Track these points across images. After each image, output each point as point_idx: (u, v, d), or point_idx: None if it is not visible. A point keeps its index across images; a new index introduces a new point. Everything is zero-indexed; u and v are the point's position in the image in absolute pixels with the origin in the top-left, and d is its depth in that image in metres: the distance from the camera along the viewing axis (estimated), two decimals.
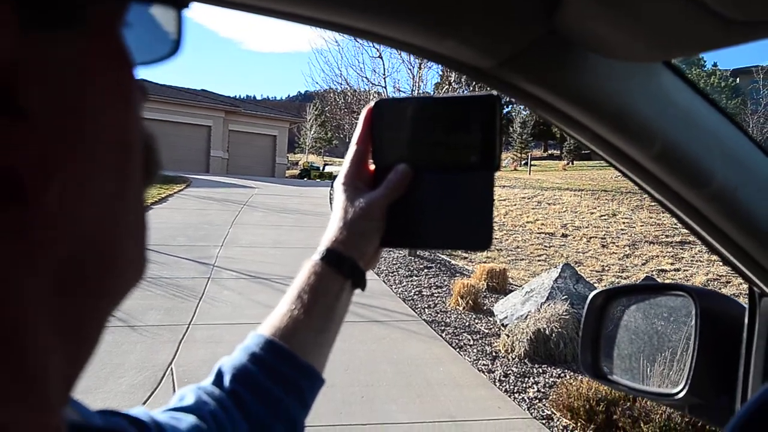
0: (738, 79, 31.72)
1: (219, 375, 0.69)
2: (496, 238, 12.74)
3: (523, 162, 39.54)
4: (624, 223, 14.54)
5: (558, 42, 0.65)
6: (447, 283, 8.58)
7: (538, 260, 11.33)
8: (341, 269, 0.74)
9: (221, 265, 9.02)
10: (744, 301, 1.07)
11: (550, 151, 46.01)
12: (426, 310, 7.37)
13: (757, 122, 23.95)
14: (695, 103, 0.79)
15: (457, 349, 6.04)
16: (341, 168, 0.79)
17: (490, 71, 0.70)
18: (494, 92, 0.72)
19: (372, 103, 0.78)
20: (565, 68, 0.68)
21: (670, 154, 0.77)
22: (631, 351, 1.22)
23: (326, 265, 0.73)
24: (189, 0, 0.36)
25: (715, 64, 32.78)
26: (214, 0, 0.54)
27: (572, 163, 36.77)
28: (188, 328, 6.06)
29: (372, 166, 0.78)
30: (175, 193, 17.55)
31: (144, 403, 4.25)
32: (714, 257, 8.63)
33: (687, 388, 1.05)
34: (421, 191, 0.74)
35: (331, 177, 28.54)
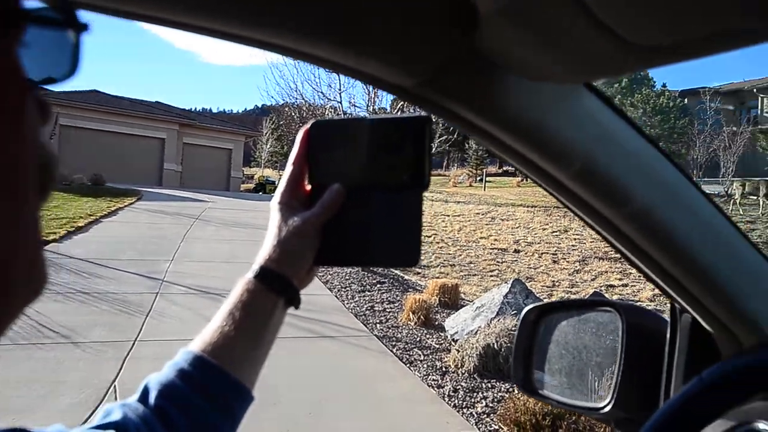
0: (686, 100, 32.73)
1: (145, 391, 0.69)
2: (449, 254, 12.86)
3: (478, 178, 40.00)
4: (575, 239, 14.82)
5: (479, 62, 0.66)
6: (399, 299, 8.59)
7: (491, 276, 11.44)
8: (274, 287, 0.75)
9: (171, 279, 8.86)
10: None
11: (505, 168, 46.52)
12: (378, 325, 7.36)
13: (703, 141, 24.73)
14: (616, 125, 0.81)
15: (408, 365, 6.04)
16: (278, 188, 0.80)
17: (413, 90, 0.71)
18: (424, 114, 0.74)
19: (308, 124, 0.79)
20: (486, 88, 0.69)
21: (590, 174, 0.79)
22: (561, 366, 1.24)
23: (259, 282, 0.74)
24: (86, 25, 0.36)
25: (664, 85, 33.79)
26: (117, 12, 0.53)
27: (526, 180, 37.28)
28: (134, 344, 5.91)
29: (309, 186, 0.79)
30: (125, 206, 17.21)
31: (84, 422, 4.14)
32: None
33: (613, 402, 1.08)
34: (354, 210, 0.76)
35: None
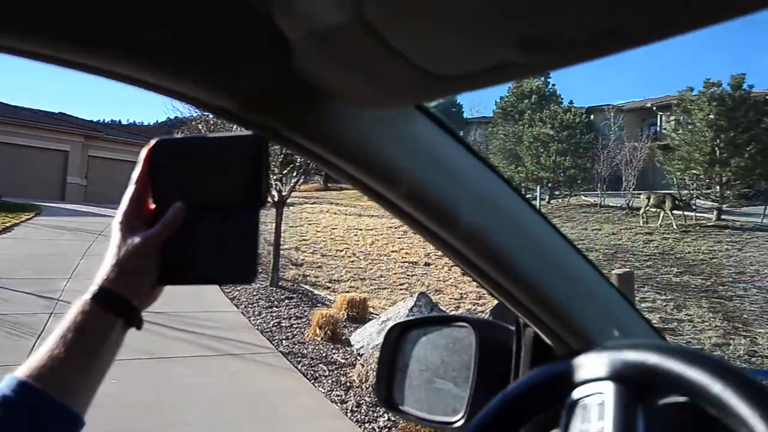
0: (592, 116, 34.17)
1: None
2: (360, 268, 12.88)
3: None
4: None
5: (300, 86, 0.66)
6: (307, 314, 8.51)
7: (401, 289, 11.53)
8: (111, 307, 0.73)
9: (68, 299, 8.46)
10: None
11: None
12: (284, 341, 7.27)
13: (607, 156, 25.90)
14: (448, 147, 0.83)
15: (312, 381, 5.99)
16: (119, 207, 0.78)
17: (237, 112, 0.71)
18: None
19: (151, 143, 0.78)
20: (310, 112, 0.70)
21: (420, 195, 0.80)
22: (421, 381, 1.26)
23: (95, 303, 0.73)
24: None
25: (571, 102, 35.23)
26: None
27: None
28: None
29: (153, 205, 0.78)
30: (21, 222, 16.34)
31: None
32: None
33: (465, 416, 1.10)
34: (195, 229, 0.75)
35: None
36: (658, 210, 19.55)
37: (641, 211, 19.98)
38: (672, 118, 28.03)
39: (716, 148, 22.41)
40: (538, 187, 26.74)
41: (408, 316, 6.88)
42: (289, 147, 0.76)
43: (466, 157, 0.86)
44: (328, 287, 10.81)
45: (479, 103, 60.58)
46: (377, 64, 0.57)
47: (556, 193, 28.22)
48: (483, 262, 0.91)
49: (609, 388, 0.68)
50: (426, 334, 1.30)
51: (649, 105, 35.75)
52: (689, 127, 23.64)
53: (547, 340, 1.03)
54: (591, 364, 0.72)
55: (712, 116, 22.32)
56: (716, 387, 0.60)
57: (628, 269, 7.63)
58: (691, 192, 22.04)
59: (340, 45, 0.58)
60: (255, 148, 0.75)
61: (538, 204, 24.78)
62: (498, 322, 1.23)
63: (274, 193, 9.84)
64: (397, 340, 1.29)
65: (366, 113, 0.74)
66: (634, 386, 0.67)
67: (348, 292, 9.89)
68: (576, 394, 0.71)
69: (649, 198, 19.83)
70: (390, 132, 0.77)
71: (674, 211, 19.20)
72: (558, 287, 0.96)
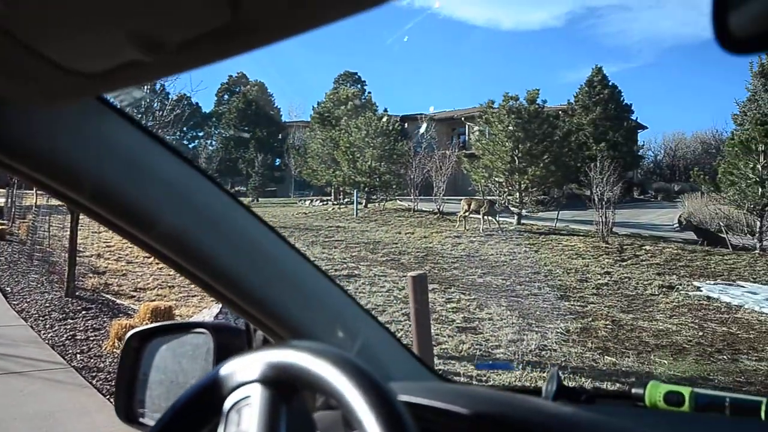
0: (406, 124, 35.53)
1: None
2: (169, 275, 12.31)
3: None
4: None
5: None
6: (107, 325, 7.98)
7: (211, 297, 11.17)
8: None
9: None
10: None
11: (236, 188, 46.26)
12: (78, 355, 6.75)
13: (419, 163, 27.01)
14: (144, 149, 0.81)
15: (109, 396, 5.60)
16: None
17: None
18: None
19: None
20: None
21: (108, 195, 0.77)
22: (161, 392, 1.20)
23: None
24: None
25: (386, 110, 36.29)
26: None
27: (257, 201, 37.40)
28: None
29: None
30: None
31: None
32: (374, 289, 9.25)
33: None
34: None
35: None
36: (475, 214, 20.69)
37: (459, 215, 21.03)
38: (476, 128, 30.01)
39: (515, 158, 24.30)
40: (356, 191, 27.35)
41: None
42: None
43: (167, 157, 0.84)
44: (133, 296, 10.22)
45: (298, 107, 60.85)
46: (27, 68, 0.54)
47: (373, 197, 29.06)
48: (189, 262, 0.89)
49: (257, 391, 0.68)
50: (166, 342, 1.24)
51: (457, 115, 37.99)
52: (492, 137, 25.40)
53: (272, 340, 1.03)
54: (243, 368, 0.71)
55: (511, 128, 24.16)
56: (336, 383, 0.61)
57: (423, 271, 7.99)
58: (503, 199, 23.69)
59: None
60: None
61: (354, 208, 25.32)
62: (235, 326, 1.21)
63: None
64: (137, 350, 1.22)
65: (36, 115, 0.68)
66: (279, 387, 0.67)
67: (154, 300, 9.41)
68: (231, 399, 0.70)
69: (469, 203, 20.91)
70: (68, 132, 0.73)
71: (488, 216, 20.48)
72: (271, 285, 0.97)
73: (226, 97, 51.16)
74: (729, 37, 0.43)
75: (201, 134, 51.23)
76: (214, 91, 52.08)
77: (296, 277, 1.02)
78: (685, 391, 1.09)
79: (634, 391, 1.15)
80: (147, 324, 6.09)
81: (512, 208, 22.82)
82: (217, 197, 0.91)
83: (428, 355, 5.60)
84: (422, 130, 32.24)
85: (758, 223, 18.12)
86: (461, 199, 21.83)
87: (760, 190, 18.14)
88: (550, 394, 1.17)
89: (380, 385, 0.60)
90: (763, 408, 1.03)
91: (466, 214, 20.77)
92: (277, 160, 44.46)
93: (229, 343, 1.12)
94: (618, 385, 6.59)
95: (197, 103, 47.71)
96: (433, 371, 1.40)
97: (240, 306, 0.97)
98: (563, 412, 0.90)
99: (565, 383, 1.22)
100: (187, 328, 1.27)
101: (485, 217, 20.48)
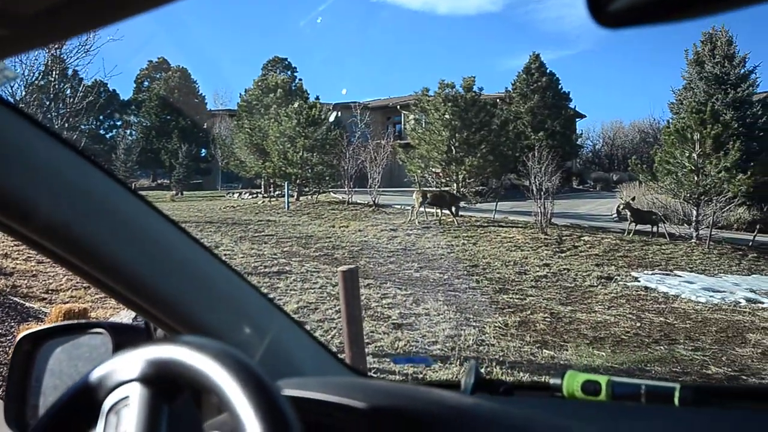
0: (339, 113, 34.90)
1: None
2: None
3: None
4: (225, 255, 14.53)
5: None
6: (14, 330, 7.35)
7: None
8: None
9: None
10: None
11: (159, 180, 44.76)
12: None
13: (353, 153, 26.51)
14: (23, 137, 0.76)
15: None
16: None
17: None
18: None
19: None
20: None
21: None
22: (55, 398, 1.10)
23: None
24: None
25: (317, 98, 35.29)
26: None
27: (182, 194, 36.23)
28: None
29: None
30: None
31: None
32: (306, 285, 8.87)
33: None
34: None
35: None
36: (430, 207, 20.29)
37: (414, 208, 20.36)
38: (411, 117, 29.82)
39: (452, 147, 24.30)
40: (287, 183, 26.61)
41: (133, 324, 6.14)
42: None
43: (48, 143, 0.79)
44: (44, 298, 9.50)
45: (224, 95, 59.32)
46: None
47: (305, 189, 28.32)
48: (71, 255, 0.85)
49: (136, 391, 0.65)
50: (61, 344, 1.21)
51: (393, 104, 37.82)
52: (428, 126, 25.26)
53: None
54: (122, 367, 0.67)
55: (447, 116, 24.12)
56: (216, 378, 0.58)
57: (354, 265, 7.70)
58: (461, 190, 23.47)
59: None
60: None
61: (286, 201, 24.68)
62: (136, 324, 1.19)
63: None
64: (29, 353, 1.17)
65: None
66: (159, 385, 0.64)
67: (67, 302, 8.74)
68: (109, 401, 0.66)
69: (424, 195, 20.35)
70: None
71: (443, 210, 20.27)
72: (168, 280, 0.94)
73: (146, 83, 49.28)
74: (603, 10, 0.41)
75: (119, 123, 49.23)
76: (132, 78, 50.15)
77: (198, 271, 1.00)
78: (602, 380, 1.11)
79: (552, 381, 1.16)
80: None
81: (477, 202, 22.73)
82: (105, 185, 0.86)
83: (360, 352, 5.38)
84: (332, 118, 31.49)
85: (694, 212, 18.56)
86: (410, 191, 21.42)
87: (695, 178, 18.59)
88: (468, 387, 1.19)
89: (262, 379, 0.59)
90: (676, 394, 1.06)
91: (422, 208, 20.19)
92: (203, 150, 43.04)
93: (128, 342, 1.06)
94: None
95: (114, 90, 45.95)
96: (347, 366, 1.43)
97: (137, 303, 0.94)
98: (467, 403, 0.92)
99: (486, 377, 1.24)
100: (83, 328, 1.26)
101: (447, 210, 20.18)
